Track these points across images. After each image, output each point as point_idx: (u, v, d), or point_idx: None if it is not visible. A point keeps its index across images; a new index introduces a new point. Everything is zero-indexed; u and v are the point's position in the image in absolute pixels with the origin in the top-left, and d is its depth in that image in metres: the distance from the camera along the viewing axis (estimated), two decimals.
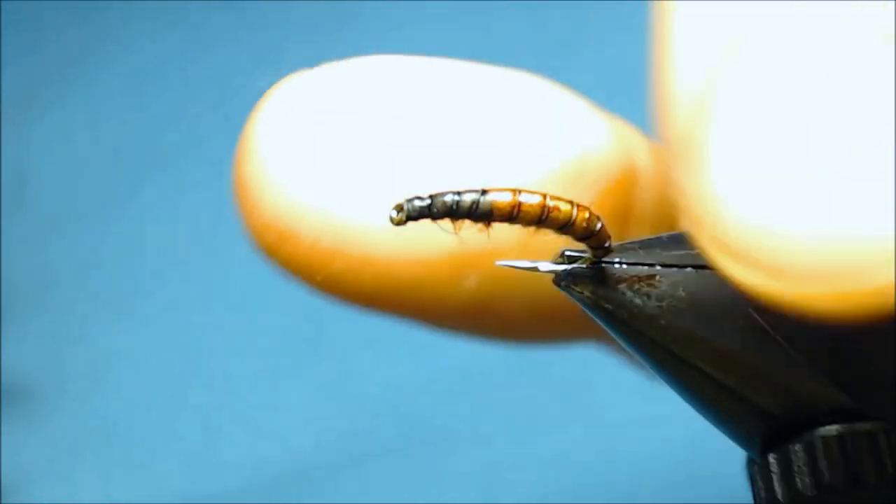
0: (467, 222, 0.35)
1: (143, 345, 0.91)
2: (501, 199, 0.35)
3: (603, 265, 0.38)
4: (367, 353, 0.86)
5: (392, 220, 0.35)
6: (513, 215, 0.35)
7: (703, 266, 0.38)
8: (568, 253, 0.38)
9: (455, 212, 0.35)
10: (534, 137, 0.43)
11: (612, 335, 0.39)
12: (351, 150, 0.42)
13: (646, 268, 0.38)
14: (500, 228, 0.36)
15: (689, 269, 0.38)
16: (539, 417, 0.82)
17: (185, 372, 0.89)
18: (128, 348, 0.91)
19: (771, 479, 0.38)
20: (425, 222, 0.35)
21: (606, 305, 0.38)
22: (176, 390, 0.88)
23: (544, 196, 0.36)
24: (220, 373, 0.88)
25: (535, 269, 0.38)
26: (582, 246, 0.38)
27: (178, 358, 0.90)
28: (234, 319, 0.92)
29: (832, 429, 0.37)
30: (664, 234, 0.39)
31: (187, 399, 0.87)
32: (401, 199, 0.35)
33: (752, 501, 0.39)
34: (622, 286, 0.38)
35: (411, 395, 0.84)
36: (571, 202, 0.36)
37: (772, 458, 0.38)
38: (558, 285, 0.38)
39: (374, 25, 1.05)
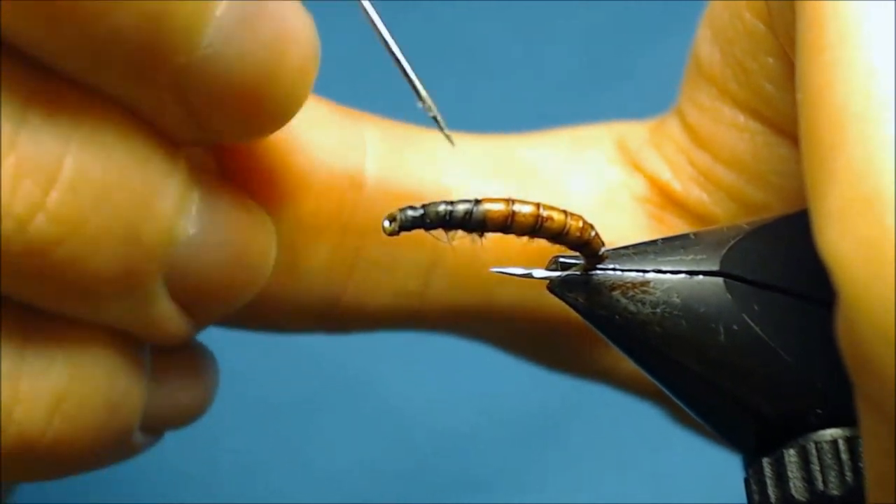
0: (460, 232, 0.35)
1: None
2: (495, 208, 0.35)
3: (597, 272, 0.38)
4: (415, 397, 0.86)
5: (385, 230, 0.36)
6: (506, 225, 0.36)
7: (696, 272, 0.38)
8: (562, 260, 0.38)
9: (448, 222, 0.35)
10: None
11: (607, 341, 0.39)
12: None
13: (640, 274, 0.38)
14: (492, 238, 0.36)
15: (683, 275, 0.38)
16: (583, 470, 0.82)
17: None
18: None
19: (765, 483, 0.38)
20: (418, 232, 0.35)
21: (601, 312, 0.38)
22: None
23: (537, 206, 0.36)
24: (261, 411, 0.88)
25: (530, 276, 0.39)
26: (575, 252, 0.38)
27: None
28: (277, 360, 0.91)
29: (826, 434, 0.38)
30: (659, 238, 0.39)
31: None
32: (394, 210, 0.35)
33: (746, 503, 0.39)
34: (616, 293, 0.38)
35: (455, 442, 0.84)
36: (565, 211, 0.36)
37: (766, 463, 0.38)
38: (553, 292, 0.38)
39: None
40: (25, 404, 0.37)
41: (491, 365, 0.71)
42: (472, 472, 0.83)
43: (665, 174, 0.47)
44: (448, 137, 0.41)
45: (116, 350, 0.39)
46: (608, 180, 0.47)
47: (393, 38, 0.40)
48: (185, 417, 0.44)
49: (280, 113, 0.37)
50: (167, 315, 0.39)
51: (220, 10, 0.35)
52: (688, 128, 0.46)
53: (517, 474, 0.83)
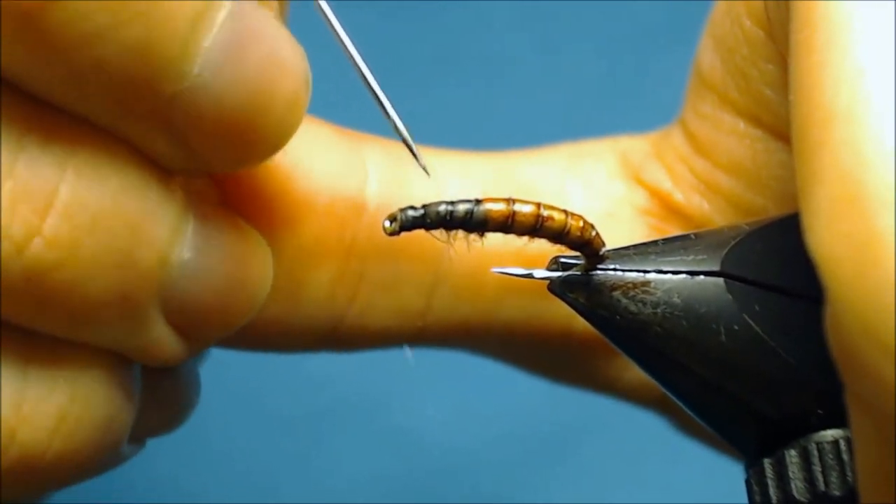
0: (461, 232, 0.35)
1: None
2: (496, 208, 0.35)
3: (597, 272, 0.38)
4: (424, 413, 0.86)
5: (385, 230, 0.36)
6: (507, 225, 0.36)
7: (697, 272, 0.38)
8: (562, 260, 0.38)
9: (449, 222, 0.35)
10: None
11: (608, 341, 0.39)
12: None
13: (640, 274, 0.38)
14: (494, 237, 0.36)
15: (683, 276, 0.38)
16: (593, 485, 0.82)
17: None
18: None
19: (766, 484, 0.38)
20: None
21: (601, 312, 0.38)
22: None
23: (538, 205, 0.36)
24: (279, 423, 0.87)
25: (530, 277, 0.39)
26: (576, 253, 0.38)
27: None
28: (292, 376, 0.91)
29: (827, 434, 0.38)
30: (659, 239, 0.39)
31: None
32: (394, 210, 0.35)
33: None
34: (617, 293, 0.38)
35: (465, 458, 0.84)
36: (565, 211, 0.36)
37: (767, 463, 0.38)
38: (553, 292, 0.38)
39: None
40: (28, 425, 0.38)
41: (500, 381, 0.71)
42: (481, 489, 0.83)
43: (666, 184, 0.47)
44: (424, 168, 0.41)
45: (113, 370, 0.39)
46: (609, 194, 0.48)
47: (362, 58, 0.39)
48: (170, 427, 0.44)
49: (271, 143, 0.38)
50: (163, 338, 0.39)
51: (208, 40, 0.35)
52: (690, 137, 0.46)
53: (527, 490, 0.83)
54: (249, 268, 0.40)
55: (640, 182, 0.48)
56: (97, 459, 0.40)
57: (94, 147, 0.36)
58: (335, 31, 0.38)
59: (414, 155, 0.40)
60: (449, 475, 0.83)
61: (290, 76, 0.36)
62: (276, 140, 0.38)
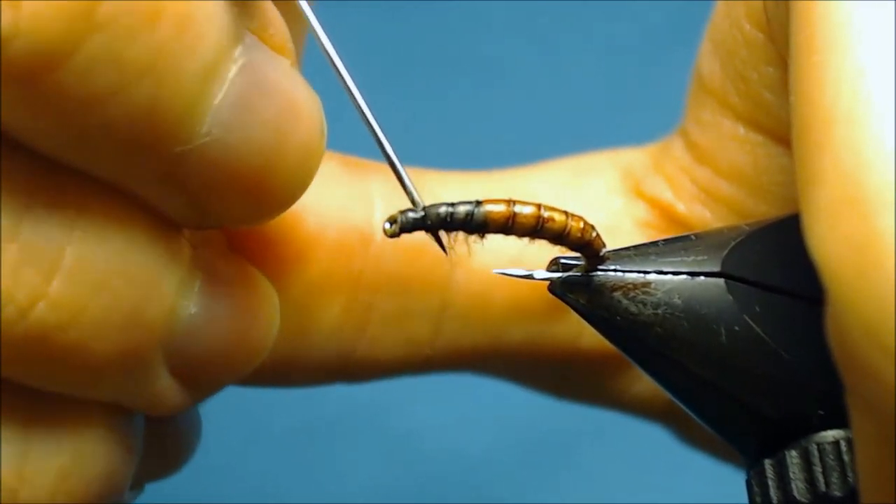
0: (461, 234, 0.35)
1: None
2: (496, 209, 0.35)
3: (598, 273, 0.38)
4: (428, 420, 0.86)
5: (385, 232, 0.36)
6: (507, 226, 0.36)
7: (698, 273, 0.38)
8: (563, 261, 0.38)
9: (449, 223, 0.35)
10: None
11: (609, 342, 0.39)
12: None
13: (641, 275, 0.38)
14: (494, 240, 0.36)
15: (684, 276, 0.38)
16: (595, 492, 0.82)
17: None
18: None
19: (767, 485, 0.38)
20: (419, 234, 0.35)
21: (602, 313, 0.38)
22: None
23: (538, 206, 0.36)
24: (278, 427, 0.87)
25: (531, 278, 0.39)
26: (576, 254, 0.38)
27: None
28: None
29: (828, 434, 0.38)
30: (660, 239, 0.39)
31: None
32: (394, 212, 0.35)
33: None
34: (617, 294, 0.38)
35: (468, 465, 0.84)
36: (566, 212, 0.36)
37: (767, 464, 0.38)
38: (553, 293, 0.38)
39: None
40: (30, 485, 0.37)
41: (504, 388, 0.71)
42: (483, 494, 0.83)
43: (667, 195, 0.47)
44: (413, 201, 0.38)
45: (115, 424, 0.39)
46: (609, 208, 0.48)
47: (355, 84, 0.37)
48: (170, 471, 0.44)
49: (286, 197, 0.37)
50: (167, 391, 0.39)
51: (218, 97, 0.34)
52: (690, 146, 0.46)
53: (529, 495, 0.83)
54: (256, 317, 0.39)
55: (640, 195, 0.48)
56: None
57: (101, 208, 0.35)
58: (328, 55, 0.36)
59: (405, 187, 0.38)
60: (451, 481, 0.83)
61: (305, 129, 0.35)
62: (291, 194, 0.37)
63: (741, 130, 0.45)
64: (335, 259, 0.43)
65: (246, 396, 0.84)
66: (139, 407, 0.39)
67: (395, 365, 0.46)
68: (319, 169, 0.41)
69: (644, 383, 0.48)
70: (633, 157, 0.49)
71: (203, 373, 0.39)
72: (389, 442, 0.84)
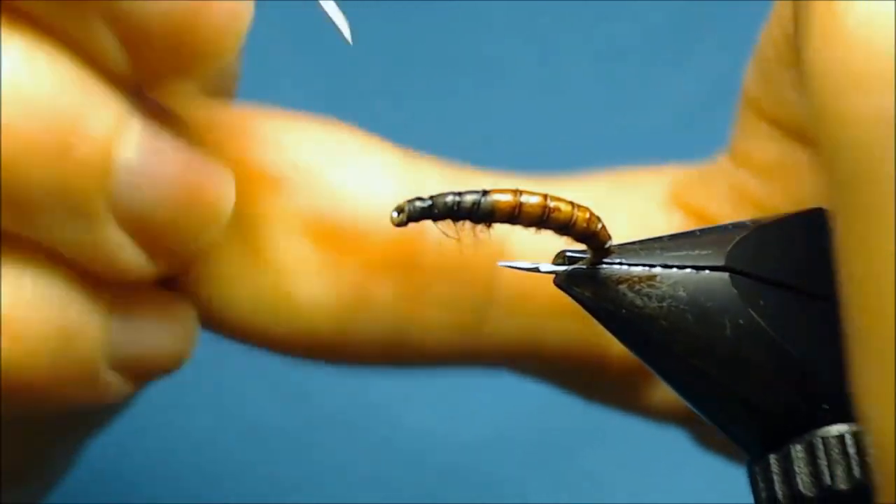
0: (468, 223, 0.35)
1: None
2: (503, 199, 0.35)
3: (603, 266, 0.38)
4: (429, 416, 0.86)
5: (392, 220, 0.36)
6: (514, 216, 0.36)
7: (703, 267, 0.38)
8: (568, 254, 0.38)
9: (456, 212, 0.35)
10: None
11: (613, 335, 0.39)
12: None
13: (646, 268, 0.38)
14: (499, 229, 0.36)
15: (689, 270, 0.38)
16: (599, 489, 0.82)
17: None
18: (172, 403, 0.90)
19: (772, 480, 0.38)
20: (426, 223, 0.35)
21: (607, 306, 0.38)
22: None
23: (545, 196, 0.36)
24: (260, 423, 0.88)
25: (536, 270, 0.39)
26: (582, 246, 0.38)
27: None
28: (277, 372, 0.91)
29: (832, 429, 0.38)
30: (665, 234, 0.39)
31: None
32: (401, 201, 0.35)
33: (752, 502, 0.39)
34: (622, 287, 0.38)
35: (469, 462, 0.84)
36: (572, 203, 0.36)
37: (772, 459, 0.38)
38: (559, 286, 0.38)
39: None
40: None
41: (504, 388, 0.71)
42: (485, 495, 0.83)
43: (713, 208, 0.47)
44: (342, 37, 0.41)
45: (66, 279, 0.40)
46: (653, 224, 0.48)
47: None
48: (162, 363, 0.44)
49: (209, 53, 0.38)
50: (116, 243, 0.39)
51: None
52: (740, 159, 0.47)
53: (530, 497, 0.83)
54: (206, 184, 0.40)
55: (686, 210, 0.48)
56: (65, 376, 0.40)
57: (31, 28, 0.37)
58: None
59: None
60: (451, 480, 0.83)
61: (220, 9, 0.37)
62: (213, 51, 0.38)
63: (791, 144, 0.45)
64: (393, 240, 0.45)
65: (246, 395, 0.85)
66: (93, 263, 0.40)
67: (444, 352, 0.47)
68: (381, 157, 0.43)
69: (665, 390, 0.48)
70: (678, 172, 0.49)
71: (153, 233, 0.40)
72: (389, 441, 0.84)
